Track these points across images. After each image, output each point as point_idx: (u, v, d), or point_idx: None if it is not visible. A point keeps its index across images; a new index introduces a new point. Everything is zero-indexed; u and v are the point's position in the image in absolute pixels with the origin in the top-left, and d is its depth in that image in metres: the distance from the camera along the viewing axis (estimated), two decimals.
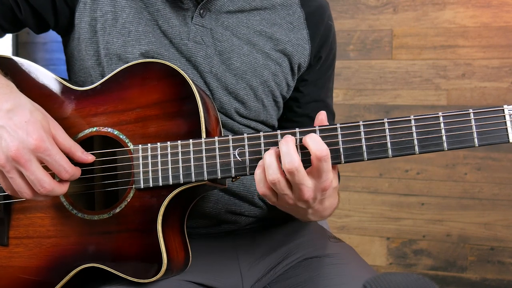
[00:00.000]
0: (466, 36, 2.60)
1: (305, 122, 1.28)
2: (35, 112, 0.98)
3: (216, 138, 0.99)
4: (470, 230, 2.66)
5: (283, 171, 0.91)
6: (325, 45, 1.26)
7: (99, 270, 1.04)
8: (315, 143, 0.90)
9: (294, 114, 1.29)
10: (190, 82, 1.02)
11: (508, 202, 2.60)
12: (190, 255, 1.09)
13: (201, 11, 1.15)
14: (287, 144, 0.91)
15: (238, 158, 0.97)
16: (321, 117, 0.97)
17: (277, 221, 1.29)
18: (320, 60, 1.26)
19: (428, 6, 2.64)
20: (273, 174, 0.91)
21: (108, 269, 1.03)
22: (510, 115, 0.90)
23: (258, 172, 0.93)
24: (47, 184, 0.96)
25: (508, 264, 2.62)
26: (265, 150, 0.96)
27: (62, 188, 1.00)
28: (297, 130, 0.95)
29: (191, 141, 1.00)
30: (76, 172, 1.00)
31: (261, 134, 0.97)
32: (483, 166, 2.63)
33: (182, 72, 1.03)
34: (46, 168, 0.98)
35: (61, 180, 1.00)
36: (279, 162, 0.91)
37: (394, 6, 2.69)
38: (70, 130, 1.05)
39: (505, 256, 2.62)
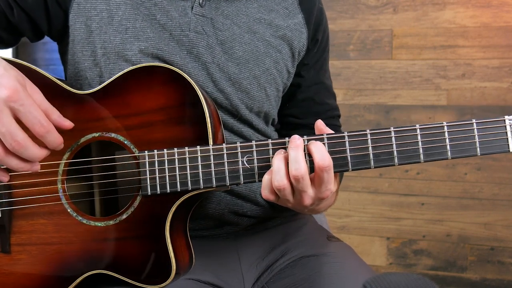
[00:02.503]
0: (466, 36, 2.60)
1: (308, 106, 1.30)
2: (11, 70, 0.93)
3: (224, 145, 0.99)
4: (470, 230, 2.66)
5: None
6: (320, 28, 1.28)
7: (105, 276, 1.04)
8: (319, 153, 0.92)
9: (297, 100, 1.30)
10: (196, 87, 1.01)
11: (508, 202, 2.61)
12: (194, 256, 1.09)
13: (201, 1, 1.14)
14: (297, 149, 0.92)
15: (247, 165, 0.97)
16: (321, 127, 0.99)
17: (278, 221, 1.29)
18: (317, 43, 1.28)
19: (428, 6, 2.64)
20: (280, 180, 0.92)
21: (116, 275, 1.02)
22: (510, 125, 0.93)
23: (266, 177, 0.95)
24: (20, 138, 0.89)
25: (508, 264, 2.62)
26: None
27: (38, 150, 0.92)
28: (305, 138, 0.96)
29: (198, 148, 0.99)
30: (51, 129, 0.93)
31: (269, 141, 0.97)
32: (483, 166, 2.63)
33: (187, 76, 1.02)
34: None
35: (42, 146, 0.94)
36: (287, 168, 0.93)
37: (394, 6, 2.69)
38: (72, 134, 1.03)
39: (505, 256, 2.63)
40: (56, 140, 0.94)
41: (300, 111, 1.30)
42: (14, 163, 0.93)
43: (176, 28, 1.12)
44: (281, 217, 1.29)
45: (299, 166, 0.91)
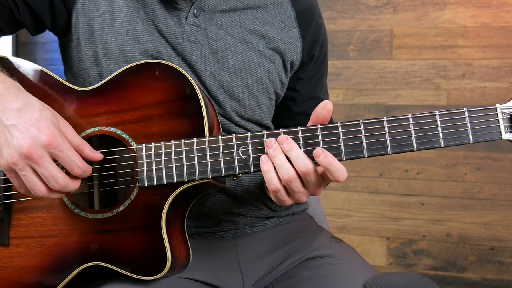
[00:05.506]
0: (466, 36, 2.61)
1: (302, 119, 1.29)
2: (45, 110, 0.98)
3: (220, 137, 1.00)
4: (470, 230, 2.66)
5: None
6: (317, 43, 1.28)
7: (101, 268, 1.04)
8: (300, 161, 0.96)
9: (291, 112, 1.31)
10: (193, 82, 1.03)
11: (508, 202, 2.60)
12: (191, 254, 1.10)
13: (195, 11, 1.16)
14: (278, 156, 0.96)
15: (242, 156, 0.98)
16: (327, 115, 0.99)
17: (276, 222, 1.30)
18: (314, 58, 1.28)
19: (428, 6, 2.65)
20: (274, 185, 0.97)
21: (112, 267, 1.03)
22: (502, 113, 0.93)
23: (268, 169, 0.96)
24: (61, 179, 0.96)
25: (508, 264, 2.62)
26: None
27: (75, 184, 1.00)
28: (299, 128, 0.97)
29: (194, 139, 1.00)
30: (87, 168, 1.00)
31: (264, 132, 0.98)
32: (483, 166, 2.63)
33: (185, 72, 1.04)
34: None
35: (73, 177, 1.00)
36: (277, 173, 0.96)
37: (394, 6, 2.70)
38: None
39: (505, 256, 2.62)
40: (89, 173, 1.02)
41: (294, 123, 1.29)
42: (55, 196, 1.00)
43: (171, 36, 1.14)
44: (279, 217, 1.30)
45: (287, 171, 0.95)
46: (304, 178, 0.95)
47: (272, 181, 0.96)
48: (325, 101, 0.98)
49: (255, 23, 1.21)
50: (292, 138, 0.96)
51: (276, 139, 0.96)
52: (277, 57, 1.22)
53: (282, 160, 0.95)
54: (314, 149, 0.95)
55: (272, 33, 1.22)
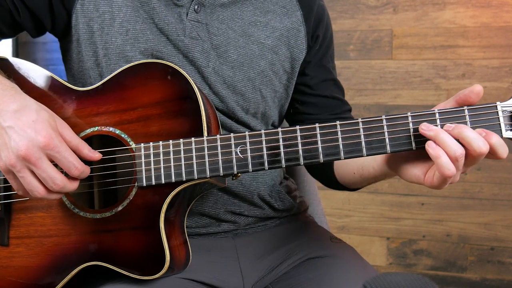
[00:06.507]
0: (466, 36, 2.61)
1: (320, 102, 1.30)
2: (42, 112, 0.98)
3: (218, 136, 1.00)
4: (470, 230, 2.66)
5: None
6: (321, 24, 1.28)
7: (100, 268, 1.04)
8: (480, 140, 0.88)
9: (308, 96, 1.30)
10: (191, 82, 1.03)
11: (508, 202, 2.60)
12: (190, 254, 1.10)
13: (196, 7, 1.16)
14: (444, 133, 0.89)
15: (240, 155, 0.98)
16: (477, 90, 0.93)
17: (277, 222, 1.30)
18: (318, 39, 1.27)
19: (428, 6, 2.65)
20: (459, 149, 0.88)
21: (111, 266, 1.03)
22: (502, 111, 0.92)
23: (442, 153, 0.89)
24: (59, 180, 0.96)
25: (508, 264, 2.62)
26: (266, 148, 0.98)
27: (74, 185, 1.00)
28: (297, 127, 0.97)
29: (193, 139, 1.00)
30: (85, 169, 1.00)
31: (262, 131, 0.98)
32: (483, 166, 2.63)
33: (183, 72, 1.04)
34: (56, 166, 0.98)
35: (71, 177, 1.00)
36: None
37: (394, 6, 2.70)
38: (72, 129, 1.05)
39: (505, 256, 2.62)
40: (87, 174, 1.02)
41: (313, 108, 1.30)
42: (53, 196, 1.01)
43: (173, 33, 1.14)
44: (280, 218, 1.30)
45: (458, 147, 0.88)
46: (476, 158, 0.89)
47: (448, 166, 0.88)
48: (475, 86, 0.93)
49: (256, 14, 1.21)
50: (292, 136, 0.96)
51: (442, 127, 0.90)
52: (281, 47, 1.22)
53: (448, 136, 0.88)
54: (313, 147, 0.95)
55: (275, 21, 1.22)
